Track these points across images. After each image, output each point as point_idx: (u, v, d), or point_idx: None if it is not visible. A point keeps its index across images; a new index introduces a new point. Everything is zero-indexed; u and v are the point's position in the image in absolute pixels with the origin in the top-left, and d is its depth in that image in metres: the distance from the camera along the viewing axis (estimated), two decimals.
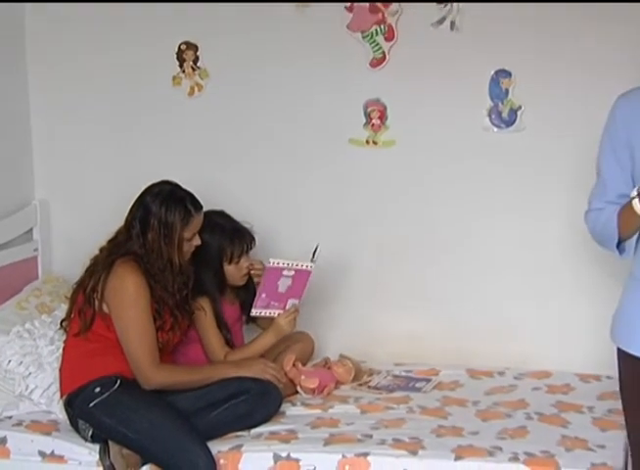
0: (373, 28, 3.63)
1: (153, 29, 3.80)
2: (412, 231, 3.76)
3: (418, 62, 3.63)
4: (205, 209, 3.25)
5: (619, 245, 2.32)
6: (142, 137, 3.89)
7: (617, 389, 2.45)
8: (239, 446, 2.95)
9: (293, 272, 3.31)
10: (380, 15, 3.62)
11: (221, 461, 2.92)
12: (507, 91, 3.58)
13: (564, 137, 3.54)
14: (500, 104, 3.59)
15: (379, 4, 3.61)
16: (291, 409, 3.27)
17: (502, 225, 3.68)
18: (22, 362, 3.25)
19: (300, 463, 2.88)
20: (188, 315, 3.27)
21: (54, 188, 3.95)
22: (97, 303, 3.10)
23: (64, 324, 3.25)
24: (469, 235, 3.72)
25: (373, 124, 3.71)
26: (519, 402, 3.30)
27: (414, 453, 2.86)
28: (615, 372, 2.44)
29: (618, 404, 2.47)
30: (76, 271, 3.26)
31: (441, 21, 3.58)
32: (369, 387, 3.51)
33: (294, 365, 3.40)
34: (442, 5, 3.57)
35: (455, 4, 3.54)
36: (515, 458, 2.80)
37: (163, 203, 3.14)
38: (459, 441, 2.94)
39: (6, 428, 3.12)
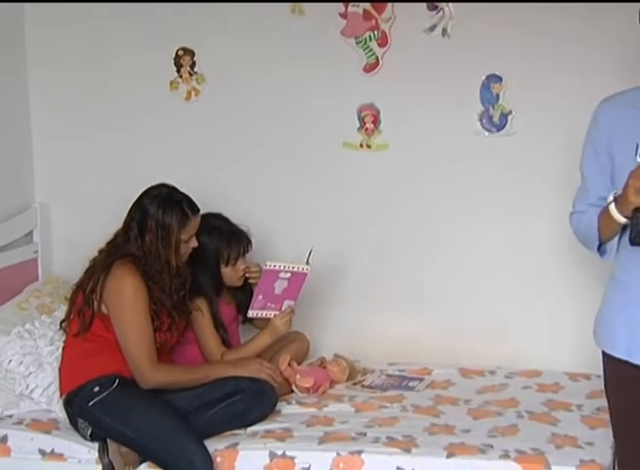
0: (366, 34, 3.66)
1: (151, 35, 3.83)
2: (405, 233, 3.78)
3: (411, 67, 3.66)
4: (202, 211, 3.26)
5: (601, 247, 2.34)
6: (140, 141, 3.91)
7: None
8: (235, 445, 2.96)
9: (289, 274, 3.33)
10: (373, 21, 3.64)
11: (218, 459, 2.92)
12: (498, 96, 3.60)
13: (553, 141, 3.56)
14: (491, 108, 3.62)
15: (372, 10, 3.63)
16: (286, 408, 3.28)
17: (493, 228, 3.70)
18: (22, 362, 3.26)
19: (296, 461, 2.89)
20: (185, 316, 3.28)
21: (54, 191, 3.97)
22: (96, 303, 3.11)
23: (63, 325, 3.26)
24: (461, 237, 3.74)
25: (367, 128, 3.74)
26: (509, 401, 3.32)
27: (407, 451, 2.87)
28: None
29: (607, 403, 2.47)
30: (76, 273, 3.28)
31: (433, 27, 3.61)
32: (363, 386, 3.52)
33: (289, 365, 3.42)
34: (434, 12, 3.60)
35: (447, 11, 3.57)
36: (505, 456, 2.81)
37: (161, 205, 3.16)
38: (451, 438, 2.95)
39: (7, 426, 3.13)
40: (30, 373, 3.26)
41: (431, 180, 3.75)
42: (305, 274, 3.36)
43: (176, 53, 3.81)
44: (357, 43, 3.68)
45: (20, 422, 3.16)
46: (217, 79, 3.82)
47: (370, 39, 3.67)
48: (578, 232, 2.42)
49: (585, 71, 3.52)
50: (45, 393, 3.26)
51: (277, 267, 3.32)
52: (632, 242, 2.15)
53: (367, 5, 3.64)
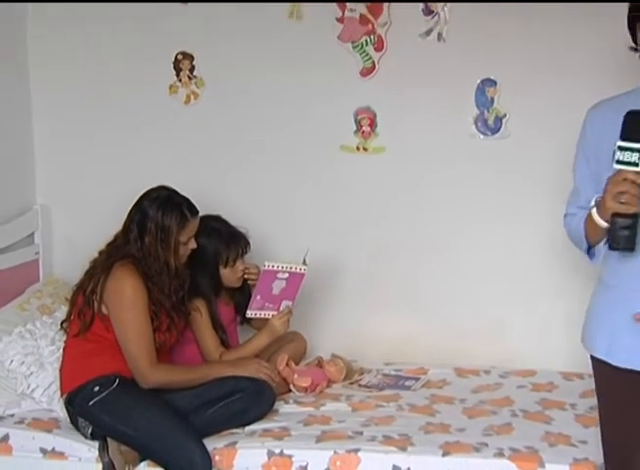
0: (363, 39, 3.68)
1: (151, 39, 3.84)
2: (402, 234, 3.80)
3: (406, 71, 3.68)
4: (201, 213, 3.28)
5: (590, 250, 2.36)
6: (141, 144, 3.92)
7: None
8: (234, 443, 2.97)
9: (287, 275, 3.34)
10: (370, 26, 3.67)
11: (217, 457, 2.94)
12: (492, 99, 3.63)
13: (547, 144, 3.58)
14: (486, 112, 3.64)
15: (369, 15, 3.65)
16: (284, 407, 3.29)
17: (489, 230, 3.72)
18: (23, 362, 3.27)
19: (293, 459, 2.90)
20: (184, 316, 3.29)
21: (54, 194, 3.98)
22: (96, 304, 3.12)
23: (64, 325, 3.27)
24: (457, 239, 3.76)
25: (363, 131, 3.76)
26: (504, 400, 3.34)
27: (403, 450, 2.88)
28: None
29: None
30: (76, 274, 3.29)
31: (429, 32, 3.64)
32: (360, 385, 3.54)
33: (287, 364, 3.43)
34: (430, 17, 3.62)
35: (442, 16, 3.59)
36: (500, 454, 2.83)
37: (160, 207, 3.17)
38: (446, 437, 2.97)
39: (8, 425, 3.14)
40: (32, 373, 3.27)
41: (427, 183, 3.77)
42: (303, 274, 3.37)
43: (175, 57, 3.83)
44: (354, 47, 3.70)
45: (21, 421, 3.17)
46: (216, 83, 3.84)
47: (366, 44, 3.69)
48: (570, 234, 2.44)
49: (579, 75, 3.54)
50: (46, 392, 3.27)
51: (275, 268, 3.33)
52: (610, 247, 2.18)
53: (364, 10, 3.66)
